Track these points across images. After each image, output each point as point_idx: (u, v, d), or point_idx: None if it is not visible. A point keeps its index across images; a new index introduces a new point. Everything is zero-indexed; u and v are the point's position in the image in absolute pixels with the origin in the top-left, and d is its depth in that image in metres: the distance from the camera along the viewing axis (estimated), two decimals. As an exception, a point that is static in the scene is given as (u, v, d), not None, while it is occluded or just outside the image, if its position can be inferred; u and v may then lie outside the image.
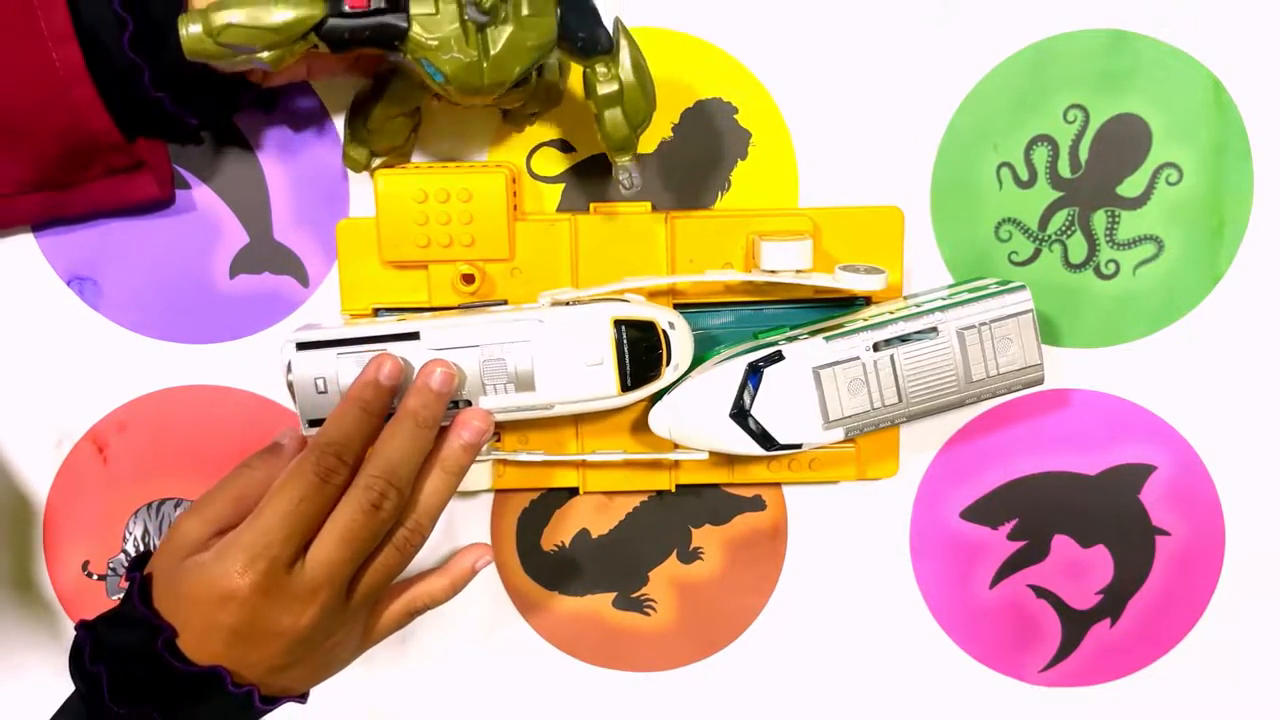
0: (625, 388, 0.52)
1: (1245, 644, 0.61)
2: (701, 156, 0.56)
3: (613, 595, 0.61)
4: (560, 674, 0.61)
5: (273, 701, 0.47)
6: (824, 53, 0.55)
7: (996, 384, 0.53)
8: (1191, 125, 0.56)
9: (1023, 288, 0.53)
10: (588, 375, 0.52)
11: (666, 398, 0.53)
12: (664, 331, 0.52)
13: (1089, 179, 0.57)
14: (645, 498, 0.60)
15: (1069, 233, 0.57)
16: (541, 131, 0.56)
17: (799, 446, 0.53)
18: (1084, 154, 0.56)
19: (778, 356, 0.52)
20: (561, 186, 0.56)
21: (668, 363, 0.52)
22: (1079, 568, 0.60)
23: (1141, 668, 0.62)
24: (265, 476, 0.48)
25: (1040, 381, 0.54)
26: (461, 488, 0.55)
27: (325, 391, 0.50)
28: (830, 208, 0.56)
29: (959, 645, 0.61)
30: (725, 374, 0.52)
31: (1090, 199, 0.57)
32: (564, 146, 0.56)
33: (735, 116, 0.56)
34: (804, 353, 0.52)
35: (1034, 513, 0.60)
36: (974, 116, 0.56)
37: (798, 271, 0.52)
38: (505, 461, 0.57)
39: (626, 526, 0.60)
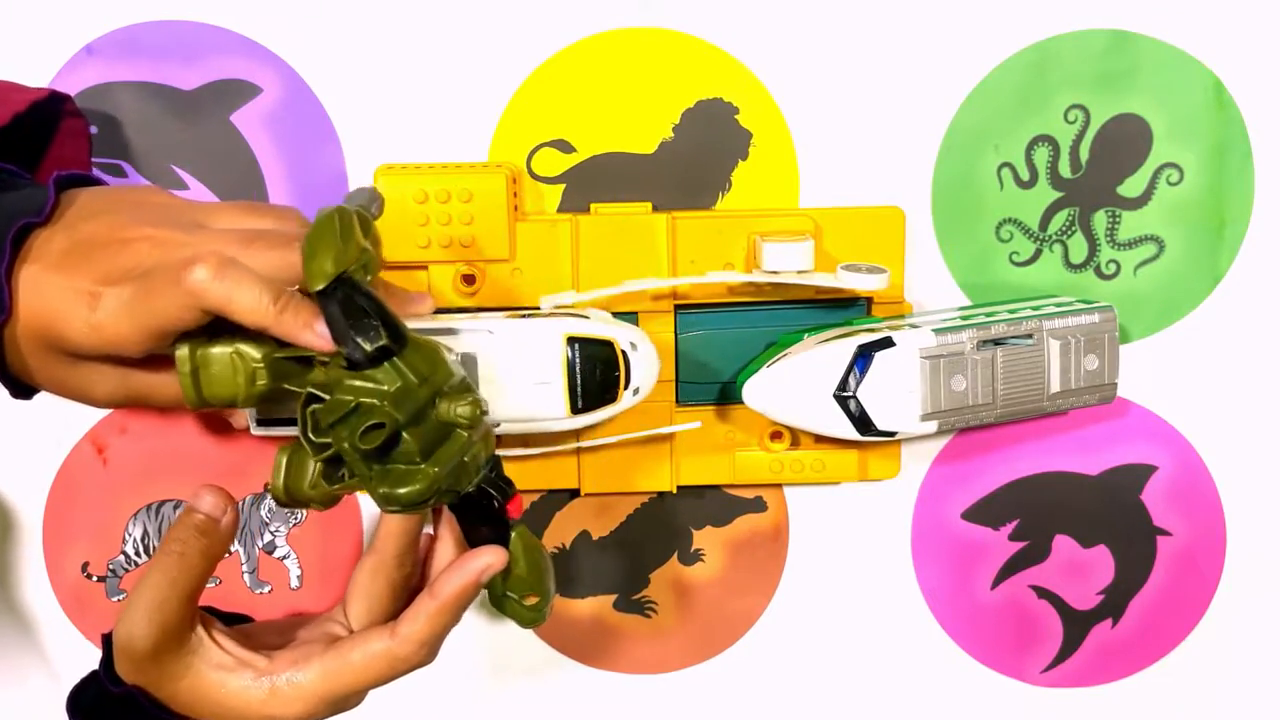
0: (575, 409, 0.50)
1: (1246, 644, 0.61)
2: (701, 156, 0.56)
3: (614, 597, 0.61)
4: (561, 676, 0.61)
5: None
6: (824, 53, 0.55)
7: (1072, 398, 0.54)
8: (1192, 125, 0.56)
9: (1110, 307, 0.54)
10: (535, 394, 0.49)
11: (765, 370, 0.53)
12: (623, 352, 0.50)
13: (1090, 179, 0.57)
14: (646, 499, 0.59)
15: (1070, 233, 0.57)
16: (542, 131, 0.56)
17: (894, 435, 0.53)
18: (1085, 154, 0.56)
19: (888, 342, 0.52)
20: (562, 187, 0.56)
21: (626, 385, 0.50)
22: (1080, 568, 0.60)
23: (1143, 668, 0.62)
24: (201, 563, 0.43)
25: (1112, 399, 0.55)
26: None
27: None
28: (831, 208, 0.56)
29: (960, 646, 0.61)
30: (831, 354, 0.52)
31: (1091, 199, 0.57)
32: (564, 147, 0.56)
33: (735, 116, 0.56)
34: (915, 341, 0.52)
35: (1035, 513, 0.60)
36: (975, 117, 0.56)
37: (799, 272, 0.52)
38: (505, 459, 0.57)
39: (627, 528, 0.60)
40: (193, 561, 0.43)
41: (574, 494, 0.59)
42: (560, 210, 0.56)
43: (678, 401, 0.56)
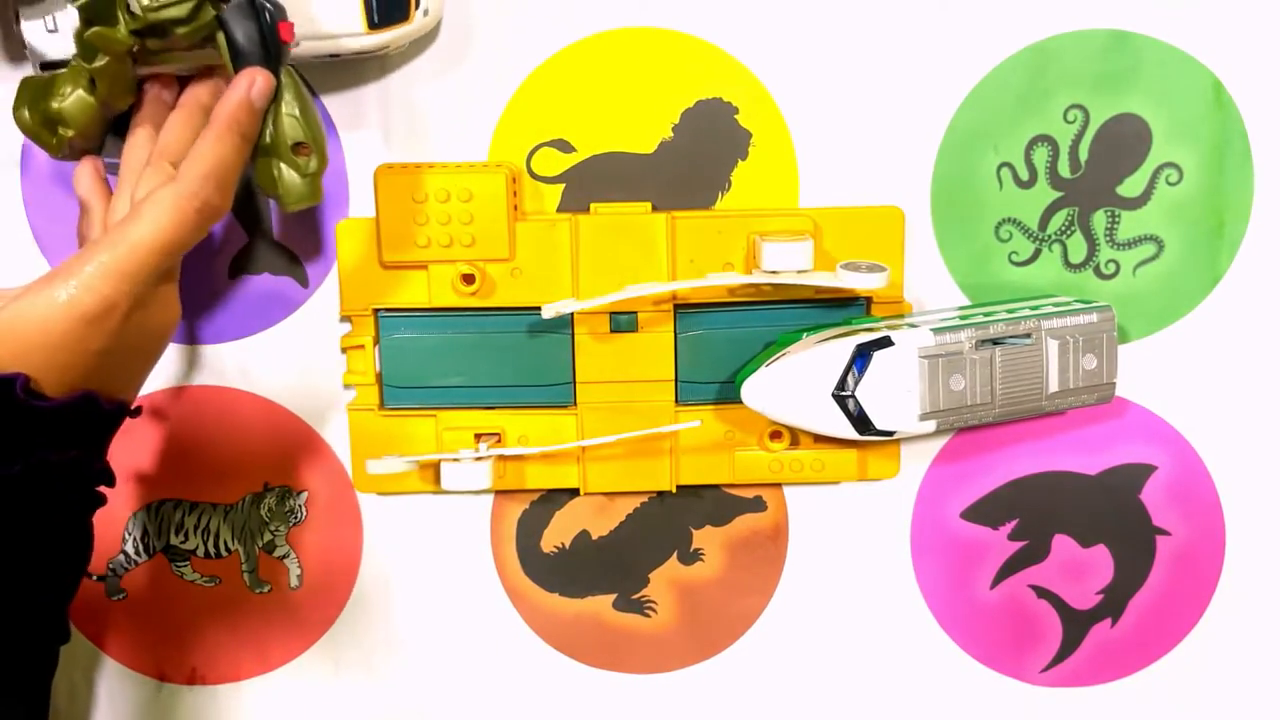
0: (373, 24, 0.51)
1: (1245, 644, 0.61)
2: (701, 156, 0.56)
3: (613, 597, 0.61)
4: (560, 676, 0.61)
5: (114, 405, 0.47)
6: (824, 52, 0.55)
7: (1071, 398, 0.55)
8: (1192, 125, 0.56)
9: (1108, 307, 0.54)
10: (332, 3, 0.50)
11: (764, 370, 0.53)
12: None
13: (1089, 179, 0.57)
14: (645, 499, 0.60)
15: (1069, 233, 0.57)
16: (542, 131, 0.56)
17: (892, 434, 0.53)
18: (1084, 154, 0.56)
19: (886, 342, 0.52)
20: (562, 187, 0.56)
21: (417, 7, 0.51)
22: (1079, 568, 0.60)
23: (1142, 668, 0.62)
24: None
25: (1110, 399, 0.55)
26: (462, 488, 0.55)
27: (56, 30, 0.49)
28: (831, 208, 0.56)
29: (960, 646, 0.61)
30: (829, 353, 0.52)
31: (1090, 199, 0.57)
32: (564, 146, 0.56)
33: (735, 116, 0.56)
34: (913, 341, 0.52)
35: (1034, 513, 0.60)
36: (974, 116, 0.56)
37: (799, 272, 0.52)
38: (505, 457, 0.57)
39: (627, 528, 0.60)
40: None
41: (574, 494, 0.59)
42: (560, 210, 0.56)
43: (678, 401, 0.56)
